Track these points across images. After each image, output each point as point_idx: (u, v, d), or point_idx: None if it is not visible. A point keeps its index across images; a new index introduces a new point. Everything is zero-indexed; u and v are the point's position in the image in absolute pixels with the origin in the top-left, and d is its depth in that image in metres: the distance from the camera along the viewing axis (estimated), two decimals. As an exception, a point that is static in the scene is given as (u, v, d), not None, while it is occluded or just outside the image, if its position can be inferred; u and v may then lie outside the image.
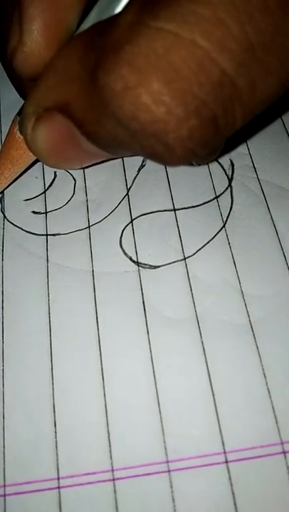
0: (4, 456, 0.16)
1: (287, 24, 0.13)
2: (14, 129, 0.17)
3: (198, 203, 0.20)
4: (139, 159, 0.21)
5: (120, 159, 0.22)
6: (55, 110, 0.15)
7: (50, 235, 0.20)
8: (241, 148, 0.21)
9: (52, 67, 0.15)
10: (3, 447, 0.16)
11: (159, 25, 0.12)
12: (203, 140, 0.14)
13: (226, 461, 0.15)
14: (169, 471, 0.15)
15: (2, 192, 0.21)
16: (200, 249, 0.19)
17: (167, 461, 0.15)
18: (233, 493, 0.15)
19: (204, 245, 0.19)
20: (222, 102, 0.13)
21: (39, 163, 0.22)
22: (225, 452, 0.15)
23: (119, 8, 0.15)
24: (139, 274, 0.18)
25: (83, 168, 0.21)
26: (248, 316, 0.17)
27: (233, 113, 0.13)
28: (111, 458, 0.15)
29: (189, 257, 0.19)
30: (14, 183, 0.21)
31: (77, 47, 0.15)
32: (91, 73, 0.14)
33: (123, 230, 0.20)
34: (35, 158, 0.18)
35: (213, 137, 0.14)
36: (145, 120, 0.13)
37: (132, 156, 0.20)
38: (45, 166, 0.22)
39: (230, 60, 0.12)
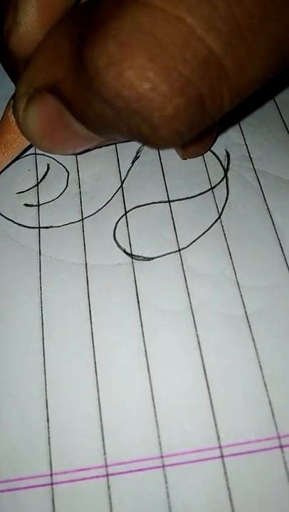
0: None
1: (276, 9, 0.12)
2: (8, 112, 0.17)
3: (193, 194, 0.20)
4: (133, 151, 0.21)
5: (114, 151, 0.21)
6: (45, 90, 0.15)
7: (42, 227, 0.19)
8: (237, 139, 0.21)
9: (42, 47, 0.15)
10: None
11: (145, 0, 0.12)
12: (190, 121, 0.13)
13: (222, 456, 0.15)
14: (163, 466, 0.15)
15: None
16: (195, 240, 0.18)
17: (161, 456, 0.15)
18: (228, 489, 0.15)
19: (199, 236, 0.19)
20: (209, 81, 0.13)
21: (32, 156, 0.21)
22: (220, 447, 0.15)
23: None
24: (133, 266, 0.18)
25: (76, 159, 0.21)
26: (244, 307, 0.17)
27: (221, 94, 0.13)
28: (104, 453, 0.15)
29: (184, 248, 0.18)
30: (7, 176, 0.21)
31: (66, 24, 0.14)
32: (78, 50, 0.13)
33: (117, 223, 0.19)
34: (28, 143, 0.18)
35: (200, 118, 0.13)
36: (129, 97, 0.13)
37: (123, 141, 0.20)
38: (38, 158, 0.21)
39: (216, 39, 0.12)
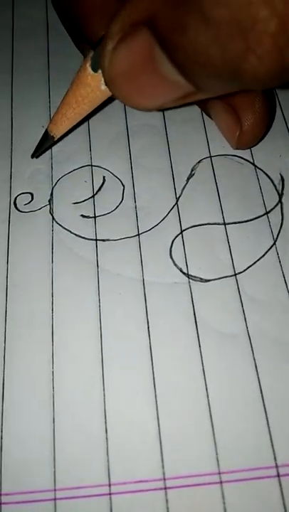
0: (55, 461, 0.16)
1: None
2: (86, 64, 0.17)
3: (248, 218, 0.20)
4: (188, 168, 0.22)
5: (169, 166, 0.22)
6: (141, 24, 0.14)
7: (99, 240, 0.20)
8: (291, 163, 0.22)
9: None
10: (54, 452, 0.16)
11: None
12: None
13: (278, 475, 0.16)
14: (221, 482, 0.16)
15: (52, 192, 0.21)
16: (250, 266, 0.19)
17: (219, 473, 0.16)
18: (285, 508, 0.15)
19: (255, 262, 0.19)
20: None
21: (88, 168, 0.22)
22: (277, 466, 0.16)
23: None
24: (190, 286, 0.19)
25: (132, 173, 0.21)
26: (299, 335, 0.18)
27: None
28: (163, 467, 0.16)
29: (240, 273, 0.19)
30: (64, 186, 0.21)
31: None
32: None
33: (173, 241, 0.20)
34: (101, 98, 0.18)
35: None
36: (233, 2, 0.12)
37: (213, 88, 0.17)
38: (94, 170, 0.22)
39: None
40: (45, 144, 0.20)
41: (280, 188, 0.21)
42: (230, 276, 0.19)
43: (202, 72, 0.14)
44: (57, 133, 0.20)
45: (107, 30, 0.15)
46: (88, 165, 0.22)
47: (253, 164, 0.21)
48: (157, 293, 0.19)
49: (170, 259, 0.19)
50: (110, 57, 0.15)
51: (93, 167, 0.22)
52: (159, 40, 0.14)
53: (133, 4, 0.15)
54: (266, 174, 0.21)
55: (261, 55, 0.12)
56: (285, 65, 0.13)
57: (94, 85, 0.17)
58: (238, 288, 0.19)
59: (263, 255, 0.19)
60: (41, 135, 0.21)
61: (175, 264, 0.19)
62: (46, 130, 0.20)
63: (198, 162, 0.22)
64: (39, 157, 0.21)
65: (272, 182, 0.21)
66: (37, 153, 0.21)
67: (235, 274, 0.19)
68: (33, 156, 0.21)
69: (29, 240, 0.20)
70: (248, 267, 0.19)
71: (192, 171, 0.22)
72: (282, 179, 0.21)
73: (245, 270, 0.19)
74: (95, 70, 0.17)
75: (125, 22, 0.15)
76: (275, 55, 0.12)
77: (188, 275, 0.19)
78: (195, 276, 0.19)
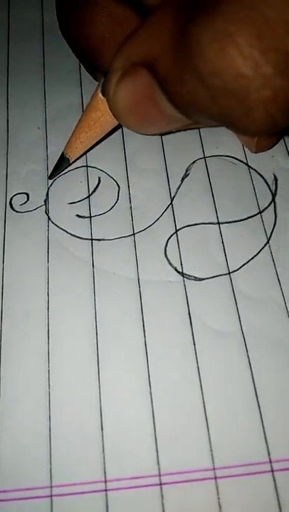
0: (51, 458, 0.16)
1: None
2: (98, 90, 0.18)
3: (241, 217, 0.20)
4: (182, 168, 0.22)
5: (164, 167, 0.22)
6: (141, 65, 0.15)
7: (95, 239, 0.20)
8: (285, 163, 0.22)
9: (147, 21, 0.15)
10: (50, 449, 0.16)
11: None
12: (288, 105, 0.13)
13: (272, 470, 0.16)
14: (215, 478, 0.16)
15: (48, 192, 0.21)
16: (244, 264, 0.19)
17: (213, 469, 0.16)
18: (220, 510, 0.15)
19: (248, 261, 0.19)
20: None
21: (84, 168, 0.22)
22: (270, 461, 0.16)
23: None
24: (185, 285, 0.19)
25: (127, 174, 0.22)
26: (293, 332, 0.18)
27: None
28: (158, 463, 0.16)
29: (234, 271, 0.19)
30: (59, 186, 0.21)
31: (173, 3, 0.14)
32: (182, 27, 0.13)
33: (168, 240, 0.20)
34: (111, 124, 0.19)
35: None
36: (228, 75, 0.12)
37: (208, 124, 0.19)
38: (89, 170, 0.22)
39: None
40: (62, 166, 0.21)
41: (273, 187, 0.21)
42: (225, 274, 0.19)
43: (200, 115, 0.15)
44: (72, 156, 0.21)
45: (111, 65, 0.16)
46: (84, 166, 0.22)
47: (247, 164, 0.22)
48: (152, 292, 0.19)
49: (165, 258, 0.20)
50: (114, 90, 0.16)
51: (89, 168, 0.22)
52: (159, 83, 0.15)
53: (132, 45, 0.15)
54: (259, 174, 0.21)
55: (254, 118, 0.13)
56: (276, 126, 0.13)
57: (104, 110, 0.18)
58: (232, 286, 0.19)
59: (257, 254, 0.19)
60: (36, 136, 0.22)
61: (170, 263, 0.19)
62: (62, 153, 0.21)
63: (193, 163, 0.22)
64: (52, 177, 0.21)
65: (266, 182, 0.21)
66: (54, 175, 0.21)
67: (230, 273, 0.19)
68: (50, 178, 0.21)
69: (25, 239, 0.20)
70: (242, 266, 0.19)
71: (187, 171, 0.22)
72: (276, 179, 0.21)
73: (239, 269, 0.19)
74: (104, 96, 0.18)
75: (126, 60, 0.15)
76: (267, 120, 0.13)
77: (182, 274, 0.19)
78: (189, 275, 0.19)
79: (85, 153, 0.21)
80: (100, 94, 0.18)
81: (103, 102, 0.18)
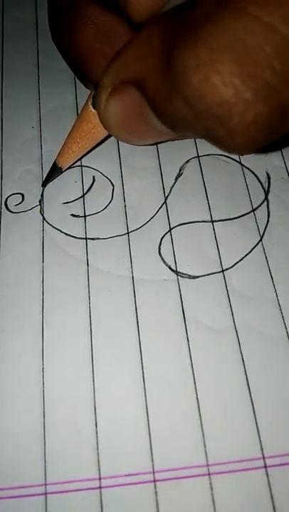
0: (45, 456, 0.16)
1: None
2: (89, 102, 0.18)
3: (235, 215, 0.21)
4: (176, 167, 0.22)
5: (158, 166, 0.22)
6: (130, 83, 0.15)
7: (89, 238, 0.20)
8: (278, 161, 0.22)
9: (134, 41, 0.15)
10: (44, 446, 0.16)
11: (241, 7, 0.12)
12: (268, 128, 0.14)
13: (265, 466, 0.16)
14: (209, 474, 0.16)
15: (42, 192, 0.21)
16: (238, 262, 0.19)
17: (207, 465, 0.16)
18: (214, 506, 0.16)
19: (242, 258, 0.20)
20: None
21: (78, 168, 0.22)
22: (264, 457, 0.16)
23: None
24: (178, 283, 0.19)
25: (121, 173, 0.22)
26: (286, 328, 0.18)
27: None
28: (152, 460, 0.16)
29: (227, 269, 0.19)
30: (53, 186, 0.21)
31: (159, 24, 0.15)
32: (168, 50, 0.14)
33: (162, 239, 0.20)
34: (103, 135, 0.19)
35: (278, 126, 0.14)
36: (211, 100, 0.13)
37: (196, 138, 0.20)
38: (84, 170, 0.22)
39: None
40: (54, 174, 0.21)
41: (266, 185, 0.21)
42: (218, 272, 0.19)
43: (187, 132, 0.15)
44: (64, 164, 0.21)
45: (100, 80, 0.16)
46: (78, 165, 0.22)
47: (240, 163, 0.22)
48: (146, 290, 0.19)
49: (159, 257, 0.20)
50: (104, 105, 0.16)
51: (83, 167, 0.22)
52: (148, 101, 0.15)
53: (121, 63, 0.16)
54: (253, 172, 0.22)
55: (236, 140, 0.14)
56: (257, 146, 0.14)
57: (95, 122, 0.18)
58: (226, 284, 0.19)
59: (250, 251, 0.20)
60: (31, 135, 0.22)
61: (164, 262, 0.20)
62: (55, 162, 0.21)
63: (187, 162, 0.22)
64: (45, 184, 0.22)
65: (259, 180, 0.21)
66: (46, 183, 0.22)
67: (223, 271, 0.19)
68: (43, 186, 0.21)
69: (20, 240, 0.20)
70: (236, 263, 0.19)
71: (180, 170, 0.22)
72: (269, 177, 0.21)
73: (232, 266, 0.19)
74: (95, 108, 0.18)
75: (115, 77, 0.16)
76: (249, 141, 0.14)
77: (176, 272, 0.19)
78: (183, 273, 0.19)
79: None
80: (91, 107, 0.18)
81: (94, 114, 0.18)
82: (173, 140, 0.21)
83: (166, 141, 0.22)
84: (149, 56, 0.15)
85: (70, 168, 0.22)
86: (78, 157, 0.20)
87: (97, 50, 0.18)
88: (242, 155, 0.21)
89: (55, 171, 0.21)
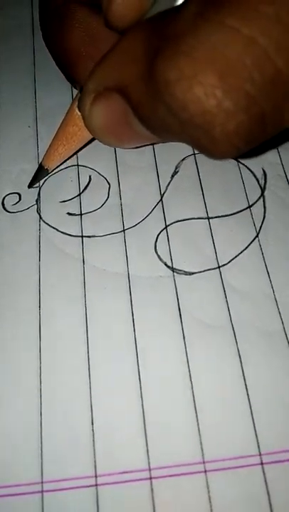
0: (42, 454, 0.16)
1: None
2: (74, 105, 0.18)
3: (231, 212, 0.21)
4: (172, 166, 0.22)
5: (154, 165, 0.22)
6: (114, 90, 0.15)
7: (85, 236, 0.20)
8: (274, 158, 0.22)
9: (117, 48, 0.16)
10: (41, 445, 0.16)
11: (220, 19, 0.13)
12: (249, 137, 0.14)
13: (262, 463, 0.16)
14: (205, 471, 0.16)
15: (39, 192, 0.21)
16: (234, 258, 0.19)
17: (203, 462, 0.16)
18: (210, 503, 0.15)
19: (238, 254, 0.19)
20: (273, 100, 0.13)
21: (74, 167, 0.22)
22: (260, 454, 0.16)
23: (180, 1, 0.15)
24: (174, 279, 0.19)
25: (117, 172, 0.22)
26: (282, 323, 0.18)
27: (282, 112, 0.14)
28: (148, 457, 0.16)
29: (224, 265, 0.19)
30: (50, 186, 0.21)
31: (142, 32, 0.15)
32: (151, 59, 0.14)
33: (158, 236, 0.20)
34: (88, 137, 0.19)
35: (258, 135, 0.14)
36: (194, 111, 0.13)
37: (181, 142, 0.21)
38: (80, 169, 0.22)
39: (285, 60, 0.13)
40: (40, 175, 0.21)
41: (262, 182, 0.21)
42: (214, 268, 0.19)
43: (172, 138, 0.16)
44: (50, 166, 0.21)
45: (84, 85, 0.17)
46: (74, 165, 0.22)
47: (236, 160, 0.22)
48: (142, 287, 0.19)
49: (155, 254, 0.20)
50: (89, 110, 0.17)
51: (79, 167, 0.22)
52: (132, 108, 0.15)
53: (104, 70, 0.16)
54: (249, 169, 0.21)
55: (219, 148, 0.14)
56: (239, 153, 0.15)
57: (81, 125, 0.18)
58: (222, 280, 0.19)
59: (246, 247, 0.20)
60: (27, 135, 0.22)
61: (160, 259, 0.19)
62: (41, 163, 0.21)
63: (182, 160, 0.22)
64: (31, 186, 0.22)
65: (255, 176, 0.21)
66: (33, 184, 0.22)
67: (219, 267, 0.19)
68: (29, 187, 0.22)
69: (17, 239, 0.20)
70: (232, 260, 0.19)
71: (176, 168, 0.22)
72: (265, 174, 0.21)
73: (228, 262, 0.19)
74: (80, 109, 0.18)
75: (99, 84, 0.16)
76: (231, 149, 0.14)
77: (172, 269, 0.19)
78: (179, 270, 0.19)
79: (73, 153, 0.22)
80: (77, 110, 0.18)
81: (80, 117, 0.18)
82: (158, 143, 0.21)
83: (151, 144, 0.22)
84: (132, 64, 0.15)
85: (66, 167, 0.22)
86: (65, 158, 0.20)
87: (84, 53, 0.18)
88: (225, 159, 0.21)
89: (41, 173, 0.21)
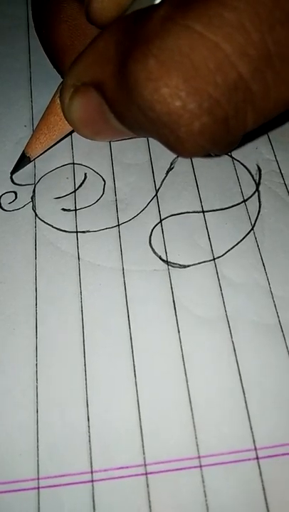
0: (38, 450, 0.16)
1: None
2: (56, 96, 0.19)
3: (226, 206, 0.20)
4: (167, 162, 0.22)
5: (149, 161, 0.22)
6: (90, 86, 0.16)
7: (80, 232, 0.20)
8: (268, 154, 0.22)
9: (93, 46, 0.16)
10: (37, 441, 0.16)
11: (187, 23, 0.13)
12: (213, 137, 0.14)
13: (257, 458, 0.16)
14: (200, 466, 0.16)
15: (34, 189, 0.21)
16: (229, 250, 0.19)
17: (199, 457, 0.16)
18: (206, 498, 0.15)
19: (233, 247, 0.19)
20: (235, 103, 0.14)
21: (70, 166, 0.22)
22: (256, 449, 0.16)
23: (157, 0, 0.16)
24: (169, 272, 0.19)
25: (112, 169, 0.22)
26: (278, 316, 0.18)
27: (245, 115, 0.14)
28: (144, 453, 0.16)
29: (218, 257, 0.19)
30: (45, 183, 0.22)
31: (115, 31, 0.15)
32: (122, 60, 0.14)
33: (152, 230, 0.20)
34: (69, 128, 0.19)
35: (222, 136, 0.15)
36: (161, 111, 0.14)
37: (153, 139, 0.21)
38: (76, 168, 0.22)
39: (247, 65, 0.13)
40: (23, 163, 0.22)
41: (257, 177, 0.21)
42: (209, 261, 0.19)
43: (144, 134, 0.16)
44: (32, 154, 0.21)
45: (63, 81, 0.17)
46: (70, 163, 0.22)
47: (231, 156, 0.22)
48: (137, 281, 0.19)
49: (149, 248, 0.20)
50: (68, 104, 0.17)
51: (75, 165, 0.22)
52: (107, 103, 0.16)
53: (81, 66, 0.16)
54: (243, 165, 0.22)
55: (186, 147, 0.15)
56: (206, 153, 0.16)
57: (62, 115, 0.19)
58: (217, 272, 0.19)
59: (241, 240, 0.19)
60: (23, 134, 0.22)
61: (154, 252, 0.19)
62: (23, 151, 0.21)
63: (178, 156, 0.22)
64: (13, 173, 0.22)
65: (250, 172, 0.21)
66: (15, 171, 0.22)
67: (214, 259, 0.19)
68: (12, 174, 0.22)
69: (13, 237, 0.20)
70: (227, 252, 0.19)
71: (171, 164, 0.22)
72: (259, 169, 0.21)
73: (223, 255, 0.19)
74: (60, 102, 0.18)
75: (77, 79, 0.17)
76: (197, 149, 0.15)
77: (167, 262, 0.19)
78: (174, 263, 0.19)
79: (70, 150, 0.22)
80: (58, 100, 0.18)
81: (61, 108, 0.18)
82: (135, 138, 0.22)
83: (129, 139, 0.22)
84: (106, 62, 0.15)
85: (62, 166, 0.22)
86: (46, 147, 0.21)
87: (70, 46, 0.18)
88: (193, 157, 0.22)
89: (23, 161, 0.21)
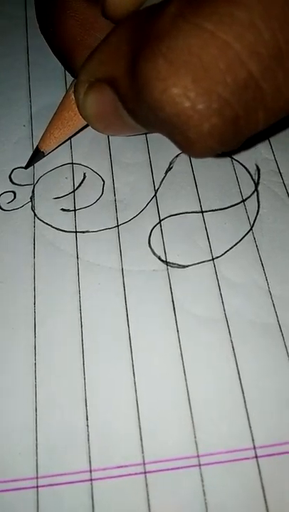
0: (37, 449, 0.16)
1: None
2: (70, 91, 0.19)
3: (225, 206, 0.21)
4: (166, 162, 0.22)
5: (148, 161, 0.22)
6: (104, 82, 0.16)
7: (79, 232, 0.20)
8: (267, 154, 0.22)
9: (106, 42, 0.16)
10: (36, 440, 0.16)
11: (197, 21, 0.13)
12: (223, 138, 0.14)
13: (256, 456, 0.16)
14: (199, 465, 0.16)
15: (33, 189, 0.21)
16: (228, 250, 0.19)
17: (198, 456, 0.16)
18: (205, 497, 0.15)
19: (232, 247, 0.19)
20: (245, 103, 0.14)
21: (69, 165, 0.22)
22: (254, 448, 0.16)
23: None
24: (168, 273, 0.19)
25: (112, 169, 0.22)
26: (277, 316, 0.18)
27: (256, 115, 0.14)
28: (142, 452, 0.16)
29: (217, 257, 0.19)
30: (45, 183, 0.22)
31: (128, 27, 0.15)
32: (134, 58, 0.14)
33: (152, 230, 0.20)
34: (83, 123, 0.20)
35: (232, 137, 0.14)
36: (170, 111, 0.14)
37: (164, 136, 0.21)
38: (75, 167, 0.22)
39: (258, 64, 0.13)
40: (37, 158, 0.22)
41: (256, 177, 0.21)
42: (208, 261, 0.19)
43: (155, 131, 0.16)
44: (46, 149, 0.21)
45: (78, 77, 0.17)
46: (69, 163, 0.22)
47: (230, 156, 0.22)
48: (136, 281, 0.19)
49: (149, 248, 0.20)
50: (82, 99, 0.17)
51: (74, 165, 0.22)
52: (120, 99, 0.16)
53: (94, 62, 0.16)
54: (242, 165, 0.22)
55: (195, 148, 0.15)
56: (215, 153, 0.15)
57: (76, 111, 0.19)
58: (216, 272, 0.19)
59: (240, 240, 0.20)
60: (22, 134, 0.22)
61: (153, 253, 0.19)
62: (37, 146, 0.21)
63: (176, 156, 0.22)
64: (28, 167, 0.22)
65: (249, 172, 0.21)
66: (29, 165, 0.22)
67: (213, 259, 0.19)
68: (26, 168, 0.22)
69: (12, 237, 0.20)
70: (226, 252, 0.19)
71: (170, 164, 0.22)
72: (258, 169, 0.21)
73: (222, 255, 0.19)
74: (75, 97, 0.18)
75: (91, 75, 0.17)
76: (206, 150, 0.15)
77: (166, 262, 0.19)
78: (173, 263, 0.19)
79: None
80: (73, 96, 0.18)
81: (75, 103, 0.18)
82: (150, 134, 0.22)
83: (142, 134, 0.22)
84: (119, 59, 0.15)
85: (61, 165, 0.22)
86: (60, 142, 0.21)
87: (80, 42, 0.18)
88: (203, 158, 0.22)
89: (37, 155, 0.21)
